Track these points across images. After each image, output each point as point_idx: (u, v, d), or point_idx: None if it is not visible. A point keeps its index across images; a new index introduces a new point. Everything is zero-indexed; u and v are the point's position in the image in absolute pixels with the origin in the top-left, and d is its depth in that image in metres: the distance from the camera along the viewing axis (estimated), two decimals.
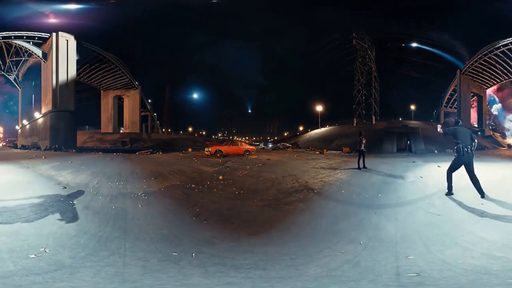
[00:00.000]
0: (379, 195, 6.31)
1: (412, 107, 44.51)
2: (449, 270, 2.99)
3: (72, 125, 31.39)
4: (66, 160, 13.43)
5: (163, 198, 6.31)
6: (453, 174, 5.87)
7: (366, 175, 9.18)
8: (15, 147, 32.04)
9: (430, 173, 9.00)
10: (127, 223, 4.60)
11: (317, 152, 23.19)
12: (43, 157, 14.61)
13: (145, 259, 3.36)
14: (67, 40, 29.63)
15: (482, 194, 5.46)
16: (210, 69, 59.11)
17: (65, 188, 6.72)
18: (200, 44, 56.30)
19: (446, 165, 9.14)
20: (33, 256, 3.27)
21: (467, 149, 5.54)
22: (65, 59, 29.66)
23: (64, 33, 29.92)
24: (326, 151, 23.84)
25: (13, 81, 35.35)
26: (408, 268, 3.08)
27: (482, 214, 4.71)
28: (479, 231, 4.01)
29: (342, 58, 43.58)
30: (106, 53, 38.02)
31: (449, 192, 5.83)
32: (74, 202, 5.56)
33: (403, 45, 39.20)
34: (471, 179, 5.57)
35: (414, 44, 38.69)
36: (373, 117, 39.54)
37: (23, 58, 32.57)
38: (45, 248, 3.47)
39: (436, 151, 22.34)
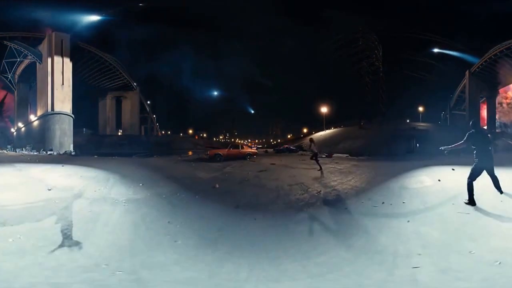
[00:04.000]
0: (403, 202, 5.83)
1: (420, 108, 43.32)
2: None
3: (68, 128, 30.60)
4: (58, 163, 12.74)
5: (144, 207, 5.79)
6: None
7: (380, 181, 8.39)
8: (10, 150, 31.19)
9: (447, 176, 8.27)
10: (94, 228, 4.44)
11: (323, 156, 22.04)
12: (36, 160, 13.97)
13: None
14: (62, 40, 28.75)
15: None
16: (212, 70, 58.24)
17: (50, 190, 6.63)
18: (201, 44, 55.47)
19: (459, 168, 8.45)
20: None
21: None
22: (60, 60, 28.86)
23: (59, 33, 29.10)
24: (333, 154, 22.69)
25: (8, 83, 34.46)
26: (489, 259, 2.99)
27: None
28: None
29: (348, 58, 42.40)
30: (103, 53, 37.18)
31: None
32: (57, 202, 5.60)
33: (410, 45, 38.25)
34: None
35: (422, 44, 37.80)
36: (380, 119, 38.35)
37: (18, 59, 31.75)
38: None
39: (446, 153, 21.26)
